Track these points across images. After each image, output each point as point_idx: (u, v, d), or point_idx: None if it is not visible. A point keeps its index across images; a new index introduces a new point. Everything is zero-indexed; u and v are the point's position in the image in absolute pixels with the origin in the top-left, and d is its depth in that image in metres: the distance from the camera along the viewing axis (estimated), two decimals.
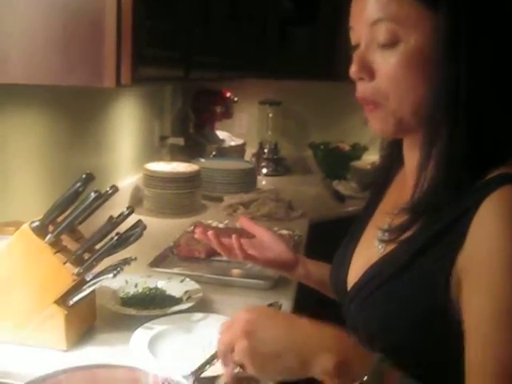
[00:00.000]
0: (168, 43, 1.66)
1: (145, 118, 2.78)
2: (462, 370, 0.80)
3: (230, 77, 2.82)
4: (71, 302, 1.21)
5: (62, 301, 1.20)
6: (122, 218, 1.22)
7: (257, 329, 0.84)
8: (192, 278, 1.58)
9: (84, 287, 1.21)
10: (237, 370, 0.89)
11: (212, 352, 1.11)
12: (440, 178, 0.86)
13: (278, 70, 3.08)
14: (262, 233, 1.37)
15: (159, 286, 1.53)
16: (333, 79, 2.93)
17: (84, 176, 1.16)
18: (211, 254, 1.79)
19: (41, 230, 1.18)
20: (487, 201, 0.79)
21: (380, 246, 0.98)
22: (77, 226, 1.25)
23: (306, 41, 3.17)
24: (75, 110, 1.95)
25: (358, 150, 3.26)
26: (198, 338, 1.27)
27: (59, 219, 1.20)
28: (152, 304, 1.42)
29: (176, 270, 1.68)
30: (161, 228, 2.10)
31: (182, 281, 1.55)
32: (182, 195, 2.37)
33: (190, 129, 3.37)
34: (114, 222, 1.21)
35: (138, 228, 1.22)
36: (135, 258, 1.26)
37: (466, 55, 0.83)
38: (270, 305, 1.23)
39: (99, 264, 1.21)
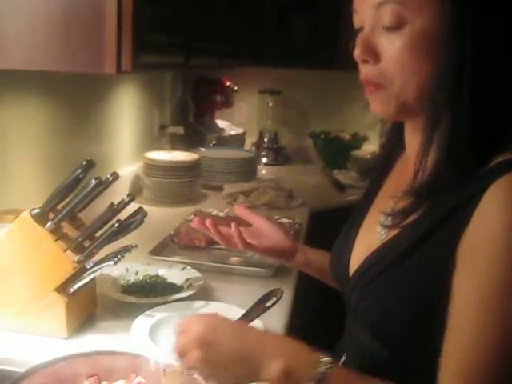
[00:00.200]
0: (169, 29, 1.65)
1: (144, 106, 2.77)
2: None
3: (230, 64, 2.81)
4: (72, 290, 1.21)
5: (62, 288, 1.20)
6: (123, 205, 1.22)
7: (209, 340, 0.88)
8: (192, 266, 1.57)
9: (84, 275, 1.21)
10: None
11: None
12: (443, 161, 0.86)
13: (277, 58, 3.07)
14: (259, 221, 1.36)
15: (160, 273, 1.52)
16: (333, 68, 2.94)
17: (84, 163, 1.16)
18: (211, 242, 1.78)
19: (41, 218, 1.18)
20: (492, 187, 0.79)
21: (382, 232, 0.98)
22: (77, 213, 1.25)
23: (306, 29, 3.15)
24: (75, 98, 1.94)
25: (358, 140, 3.25)
26: None
27: (59, 206, 1.19)
28: (153, 292, 1.42)
29: (176, 259, 1.67)
30: (161, 217, 2.09)
31: (182, 269, 1.55)
32: (182, 184, 2.36)
33: (190, 118, 3.36)
34: (114, 209, 1.21)
35: (139, 215, 1.21)
36: (136, 246, 1.25)
37: (471, 38, 0.82)
38: (272, 292, 1.23)
39: (100, 251, 1.21)
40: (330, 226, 1.29)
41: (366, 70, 0.91)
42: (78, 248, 1.19)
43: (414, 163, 0.91)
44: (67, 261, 1.17)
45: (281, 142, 3.45)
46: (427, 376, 0.82)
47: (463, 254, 0.81)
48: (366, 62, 0.90)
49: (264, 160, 3.33)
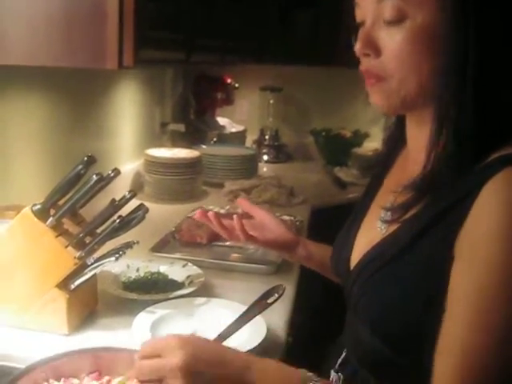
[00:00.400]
0: (170, 26, 1.65)
1: (145, 103, 2.76)
2: None
3: (231, 61, 2.80)
4: (73, 286, 1.20)
5: (63, 285, 1.20)
6: (124, 201, 1.21)
7: (194, 370, 0.84)
8: (194, 263, 1.57)
9: (86, 271, 1.20)
10: None
11: (215, 336, 1.11)
12: (446, 156, 0.85)
13: (279, 55, 3.06)
14: (262, 215, 1.37)
15: (161, 270, 1.52)
16: (334, 65, 2.93)
17: (86, 158, 1.15)
18: (213, 239, 1.78)
19: (42, 214, 1.17)
20: (490, 183, 0.79)
21: (383, 227, 0.98)
22: (78, 209, 1.25)
23: (307, 26, 3.14)
24: (76, 94, 1.93)
25: (359, 137, 3.25)
26: (200, 323, 1.27)
27: (61, 202, 1.19)
28: (154, 288, 1.42)
29: (177, 255, 1.67)
30: (161, 214, 2.09)
31: (184, 265, 1.55)
32: (183, 181, 2.36)
33: (191, 115, 3.35)
34: (116, 205, 1.20)
35: (141, 211, 1.21)
36: (137, 242, 1.25)
37: (473, 31, 0.82)
38: (273, 288, 1.23)
39: (101, 248, 1.21)
40: (331, 224, 1.29)
41: (366, 63, 0.91)
42: (79, 244, 1.19)
43: (415, 158, 0.90)
44: (68, 257, 1.17)
45: (282, 139, 3.45)
46: (427, 373, 0.82)
47: (461, 248, 0.81)
48: (366, 55, 0.90)
49: (265, 157, 3.33)
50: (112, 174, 1.20)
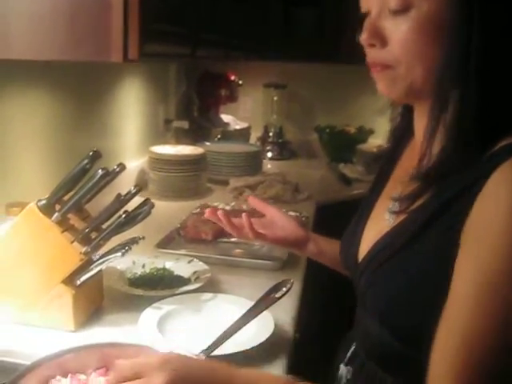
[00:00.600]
0: (175, 19, 1.64)
1: (149, 101, 2.76)
2: None
3: (235, 57, 2.79)
4: (79, 282, 1.20)
5: (69, 280, 1.19)
6: (130, 196, 1.20)
7: None
8: (199, 259, 1.56)
9: (92, 266, 1.20)
10: None
11: (222, 331, 1.11)
12: (450, 145, 0.85)
13: (282, 51, 3.05)
14: (272, 212, 1.37)
15: (167, 266, 1.51)
16: (338, 62, 2.92)
17: (91, 153, 1.14)
18: (218, 235, 1.78)
19: (48, 209, 1.16)
20: (498, 171, 0.78)
21: (390, 218, 0.97)
22: (84, 204, 1.24)
23: (311, 22, 3.13)
24: (80, 91, 1.93)
25: (363, 133, 3.24)
26: (207, 318, 1.26)
27: (66, 197, 1.18)
28: (160, 284, 1.41)
29: (183, 252, 1.66)
30: (166, 211, 2.08)
31: (189, 261, 1.54)
32: (188, 178, 2.35)
33: (195, 112, 3.35)
34: (121, 200, 1.20)
35: (146, 206, 1.20)
36: (143, 237, 1.24)
37: (478, 21, 0.81)
38: (281, 283, 1.22)
39: (107, 243, 1.20)
40: (337, 220, 1.29)
41: (372, 54, 0.90)
42: (85, 239, 1.18)
43: (422, 147, 0.90)
44: (74, 252, 1.16)
45: (286, 136, 3.44)
46: None
47: (467, 237, 0.80)
48: (372, 46, 0.89)
49: (269, 154, 3.32)
50: (117, 169, 1.19)
